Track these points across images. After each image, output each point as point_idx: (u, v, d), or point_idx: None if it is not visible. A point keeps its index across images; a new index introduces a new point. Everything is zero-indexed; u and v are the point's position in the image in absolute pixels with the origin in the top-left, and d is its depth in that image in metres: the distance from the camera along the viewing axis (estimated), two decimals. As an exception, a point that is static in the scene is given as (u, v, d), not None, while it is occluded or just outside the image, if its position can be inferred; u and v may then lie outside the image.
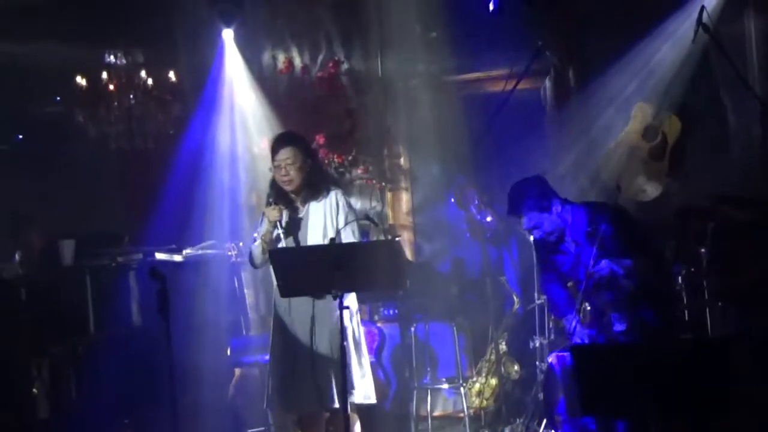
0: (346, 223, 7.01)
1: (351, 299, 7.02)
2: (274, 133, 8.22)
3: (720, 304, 7.20)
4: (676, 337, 6.46)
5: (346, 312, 6.54)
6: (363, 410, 7.25)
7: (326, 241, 6.89)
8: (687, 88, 9.23)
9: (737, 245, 7.43)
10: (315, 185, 7.16)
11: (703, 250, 7.45)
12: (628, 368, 5.32)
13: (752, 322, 7.14)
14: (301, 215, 7.17)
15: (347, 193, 9.88)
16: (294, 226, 7.15)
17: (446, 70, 10.13)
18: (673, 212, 7.73)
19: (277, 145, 7.19)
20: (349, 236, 7.00)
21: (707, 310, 6.96)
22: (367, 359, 7.24)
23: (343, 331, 6.47)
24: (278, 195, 7.18)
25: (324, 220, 7.07)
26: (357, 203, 10.16)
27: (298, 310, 7.03)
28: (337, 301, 6.41)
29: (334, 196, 7.14)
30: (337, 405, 6.84)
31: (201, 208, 9.90)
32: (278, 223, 7.05)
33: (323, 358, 6.95)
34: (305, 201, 7.17)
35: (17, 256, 9.11)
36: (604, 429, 6.45)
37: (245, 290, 9.39)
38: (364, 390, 7.09)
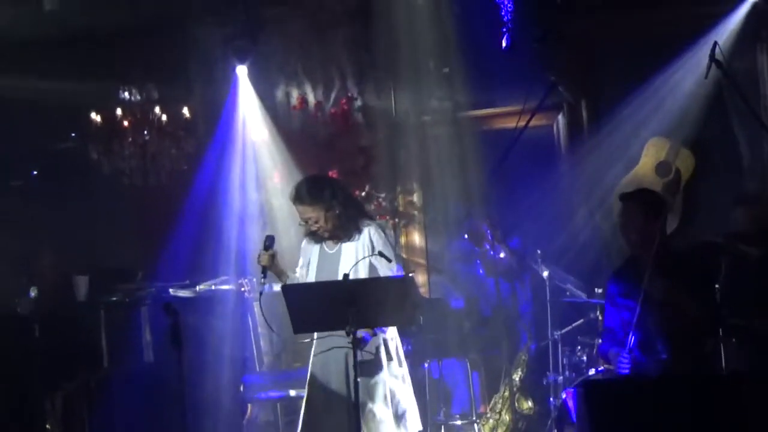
0: (362, 257, 6.93)
1: (391, 330, 7.01)
2: (287, 170, 8.24)
3: (734, 340, 7.15)
4: (691, 373, 6.41)
5: (390, 342, 6.51)
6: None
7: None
8: (700, 124, 9.25)
9: (751, 282, 7.40)
10: (348, 230, 7.08)
11: (717, 286, 7.42)
12: (640, 404, 5.30)
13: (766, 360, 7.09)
14: (333, 251, 7.11)
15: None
16: (328, 261, 7.10)
17: (459, 106, 10.14)
18: (687, 248, 7.70)
19: (293, 201, 7.07)
20: (372, 271, 6.94)
21: (721, 346, 6.91)
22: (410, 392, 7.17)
23: (355, 367, 6.44)
24: (311, 232, 7.15)
25: (356, 257, 6.98)
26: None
27: (332, 351, 6.95)
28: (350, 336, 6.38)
29: (368, 233, 7.04)
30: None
31: (214, 243, 9.91)
32: (265, 270, 7.02)
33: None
34: (339, 240, 7.10)
35: (32, 292, 9.12)
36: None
37: (258, 326, 9.38)
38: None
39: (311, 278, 7.07)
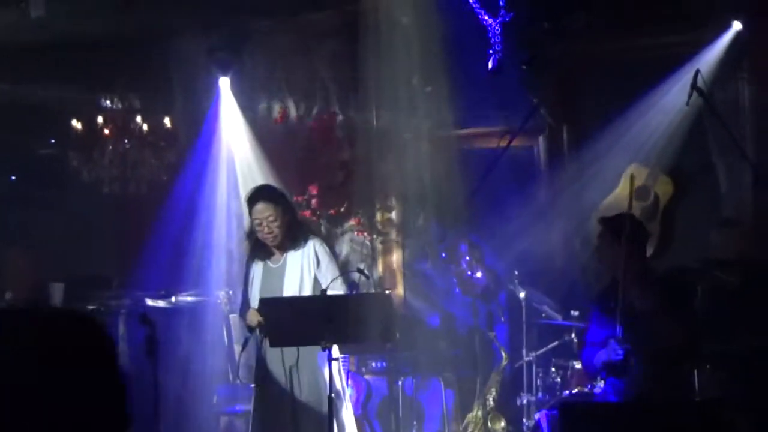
0: (334, 278, 7.01)
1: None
2: (267, 182, 8.27)
3: (708, 366, 7.19)
4: (666, 397, 6.44)
5: (334, 363, 6.54)
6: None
7: (303, 292, 6.94)
8: (680, 151, 9.29)
9: (727, 309, 7.44)
10: (296, 238, 7.20)
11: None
12: (615, 427, 5.32)
13: (740, 387, 7.13)
14: (278, 265, 7.19)
15: (338, 244, 9.95)
16: (272, 277, 7.18)
17: (441, 125, 10.14)
18: (662, 274, 7.74)
19: (254, 200, 7.21)
20: (335, 288, 7.01)
21: (695, 372, 6.95)
22: (350, 410, 7.23)
23: (330, 382, 6.46)
24: (255, 246, 7.24)
25: (301, 271, 7.10)
26: (348, 255, 10.20)
27: (277, 360, 7.02)
28: (325, 351, 6.40)
29: (312, 246, 7.16)
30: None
31: (192, 255, 9.89)
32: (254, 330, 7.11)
33: (305, 409, 6.94)
34: (284, 251, 7.20)
35: (7, 296, 9.08)
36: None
37: (234, 340, 9.37)
38: None
39: (254, 296, 7.12)
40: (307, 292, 7.05)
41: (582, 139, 9.68)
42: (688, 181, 9.61)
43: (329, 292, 6.82)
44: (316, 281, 7.04)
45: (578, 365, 7.83)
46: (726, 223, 8.18)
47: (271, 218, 7.09)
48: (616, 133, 9.39)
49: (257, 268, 7.29)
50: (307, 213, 9.97)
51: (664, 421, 5.30)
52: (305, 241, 7.20)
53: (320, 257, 7.12)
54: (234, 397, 8.75)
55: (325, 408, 6.55)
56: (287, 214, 7.18)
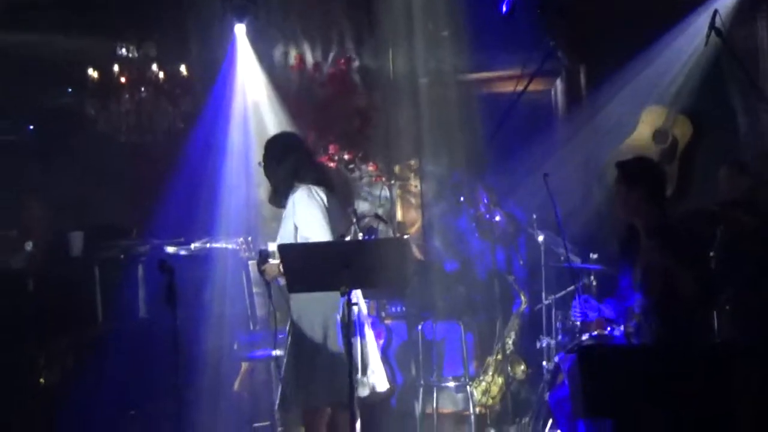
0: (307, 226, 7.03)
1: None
2: (283, 129, 8.27)
3: (727, 308, 7.18)
4: (683, 341, 6.43)
5: (355, 307, 6.54)
6: (368, 407, 7.26)
7: (283, 240, 6.98)
8: (698, 92, 9.24)
9: (746, 250, 7.41)
10: (278, 191, 7.24)
11: (711, 254, 7.44)
12: (633, 370, 5.33)
13: (760, 328, 7.12)
14: (282, 212, 7.25)
15: (356, 190, 9.96)
16: (280, 223, 7.22)
17: (457, 69, 10.12)
18: (678, 220, 7.71)
19: None
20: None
21: (714, 315, 6.94)
22: (376, 353, 7.27)
23: (351, 327, 6.46)
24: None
25: (286, 218, 7.12)
26: (366, 200, 10.22)
27: (308, 307, 7.04)
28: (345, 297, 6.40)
29: (292, 199, 7.14)
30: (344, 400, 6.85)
31: (210, 201, 9.90)
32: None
33: (330, 353, 6.96)
34: (278, 204, 7.26)
35: (28, 246, 9.12)
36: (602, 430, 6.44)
37: (253, 285, 9.39)
38: (372, 382, 7.12)
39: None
40: (288, 239, 7.03)
41: (599, 81, 9.63)
42: (707, 123, 9.56)
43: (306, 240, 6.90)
44: (296, 230, 7.05)
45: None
46: (737, 167, 8.09)
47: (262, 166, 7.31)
48: (634, 74, 9.35)
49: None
50: (325, 159, 9.95)
51: (683, 364, 5.30)
52: (287, 197, 7.17)
53: (296, 205, 7.07)
54: (255, 343, 8.79)
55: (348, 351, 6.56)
56: (272, 166, 7.26)
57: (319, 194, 7.10)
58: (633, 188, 6.61)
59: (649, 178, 6.70)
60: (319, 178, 7.30)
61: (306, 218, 7.00)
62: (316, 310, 7.03)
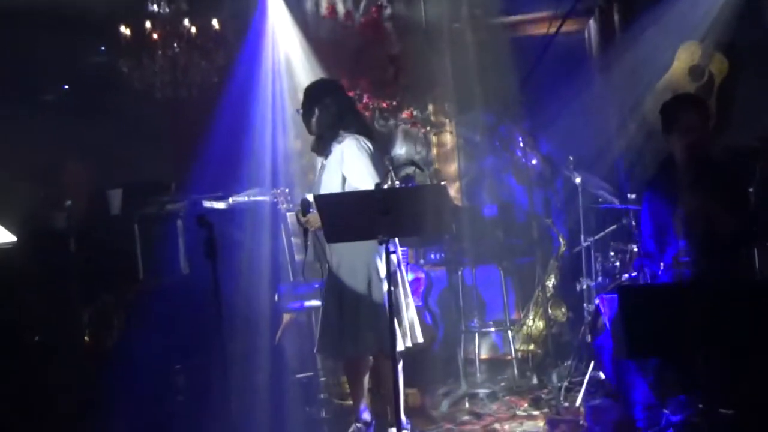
0: (357, 175, 7.03)
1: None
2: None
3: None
4: (723, 278, 6.40)
5: (393, 256, 6.54)
6: (411, 354, 7.29)
7: (330, 189, 6.98)
8: (734, 27, 9.13)
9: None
10: (323, 139, 7.22)
11: (751, 190, 7.38)
12: (674, 309, 5.30)
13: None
14: (325, 162, 7.23)
15: (392, 138, 9.93)
16: (321, 172, 7.21)
17: (490, 13, 10.04)
18: (721, 153, 7.65)
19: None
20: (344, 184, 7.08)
21: (755, 251, 6.89)
22: (411, 302, 7.28)
23: (391, 276, 6.46)
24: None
25: (332, 168, 7.12)
26: (402, 148, 10.21)
27: (349, 256, 7.06)
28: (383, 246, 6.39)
29: (340, 149, 7.12)
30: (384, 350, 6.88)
31: (246, 155, 9.92)
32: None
33: (373, 303, 6.98)
34: (321, 152, 7.26)
35: (67, 204, 9.15)
36: (645, 370, 6.43)
37: (292, 236, 9.41)
38: (408, 335, 7.15)
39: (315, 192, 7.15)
40: (334, 189, 7.04)
41: (633, 19, 9.53)
42: (744, 58, 9.45)
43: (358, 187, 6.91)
44: (344, 180, 7.05)
45: (636, 248, 7.78)
46: None
47: (307, 116, 7.30)
48: (668, 10, 9.24)
49: (319, 164, 7.34)
50: (360, 108, 9.93)
51: (723, 302, 5.26)
52: (334, 146, 7.16)
53: (345, 155, 7.07)
54: (294, 294, 8.82)
55: (387, 299, 6.56)
56: (321, 113, 7.23)
57: (367, 144, 7.11)
58: (673, 128, 6.60)
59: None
60: (363, 125, 7.33)
61: (357, 168, 7.01)
62: (357, 260, 7.05)
